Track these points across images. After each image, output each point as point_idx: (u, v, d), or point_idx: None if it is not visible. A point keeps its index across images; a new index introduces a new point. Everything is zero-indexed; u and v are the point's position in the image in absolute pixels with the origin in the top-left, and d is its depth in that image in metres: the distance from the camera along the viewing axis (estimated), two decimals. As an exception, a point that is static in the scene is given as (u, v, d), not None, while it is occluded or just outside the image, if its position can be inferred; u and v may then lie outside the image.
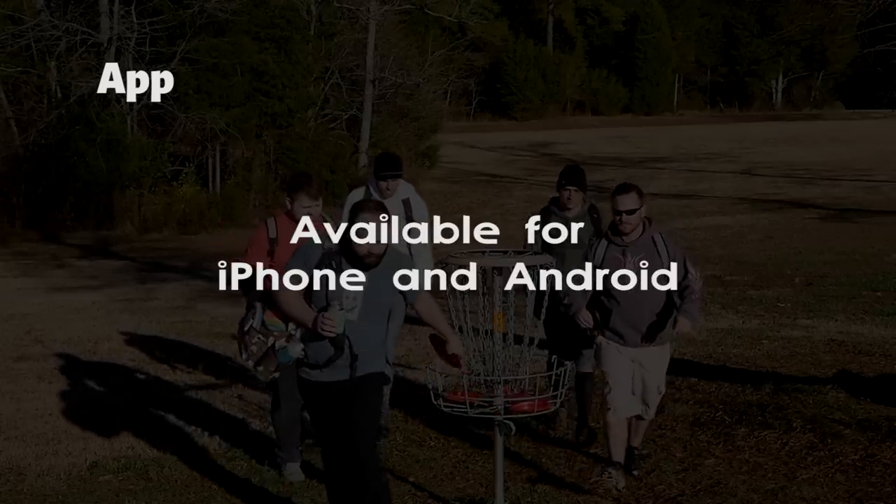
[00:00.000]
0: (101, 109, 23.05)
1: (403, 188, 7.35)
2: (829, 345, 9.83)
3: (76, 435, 7.63)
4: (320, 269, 4.99)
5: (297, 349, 5.12)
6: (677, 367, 8.38)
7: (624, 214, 6.09)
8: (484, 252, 5.72)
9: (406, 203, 7.39)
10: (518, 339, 5.70)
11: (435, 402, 5.60)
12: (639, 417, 6.41)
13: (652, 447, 6.95)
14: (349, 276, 5.01)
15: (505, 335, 5.54)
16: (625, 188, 6.15)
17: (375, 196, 7.15)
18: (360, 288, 5.00)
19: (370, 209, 4.98)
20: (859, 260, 15.68)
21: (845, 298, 12.30)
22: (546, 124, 58.73)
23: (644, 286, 6.09)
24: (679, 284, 6.12)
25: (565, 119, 62.88)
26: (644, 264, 6.09)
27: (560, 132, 52.11)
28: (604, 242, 6.25)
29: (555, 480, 6.44)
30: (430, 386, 5.73)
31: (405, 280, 5.15)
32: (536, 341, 5.81)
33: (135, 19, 24.05)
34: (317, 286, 5.01)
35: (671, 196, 27.31)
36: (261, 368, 5.48)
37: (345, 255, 4.99)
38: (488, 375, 5.55)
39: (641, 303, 6.12)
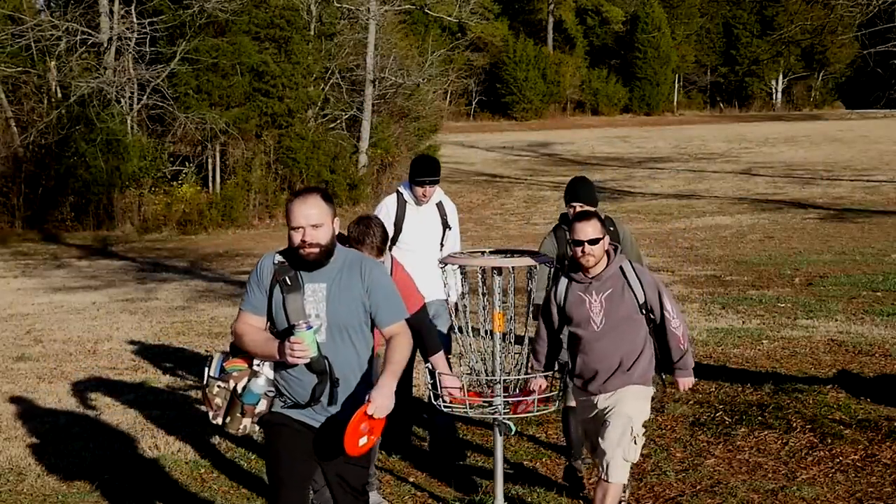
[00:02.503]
0: (101, 109, 23.06)
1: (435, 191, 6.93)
2: (828, 345, 9.83)
3: (76, 435, 7.63)
4: (275, 287, 4.28)
5: (261, 384, 4.34)
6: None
7: (586, 245, 5.16)
8: (483, 252, 5.72)
9: (440, 207, 6.96)
10: (518, 340, 5.70)
11: (434, 402, 5.59)
12: (605, 481, 5.24)
13: (652, 447, 6.95)
14: (310, 287, 4.27)
15: (505, 335, 5.53)
16: (584, 215, 5.27)
17: (410, 203, 6.83)
18: (322, 300, 4.26)
19: (301, 194, 4.26)
20: (859, 260, 15.68)
21: (845, 298, 12.30)
22: (546, 124, 58.80)
23: (615, 327, 5.21)
24: (656, 323, 5.28)
25: (565, 119, 62.96)
26: (612, 301, 5.21)
27: (560, 132, 52.15)
28: (563, 281, 5.36)
29: (555, 481, 6.44)
30: (428, 385, 5.72)
31: (379, 298, 4.31)
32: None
33: (135, 19, 24.06)
34: (275, 308, 4.29)
35: (671, 196, 27.32)
36: (228, 421, 4.41)
37: (289, 259, 4.27)
38: (488, 376, 5.54)
39: (613, 346, 5.24)
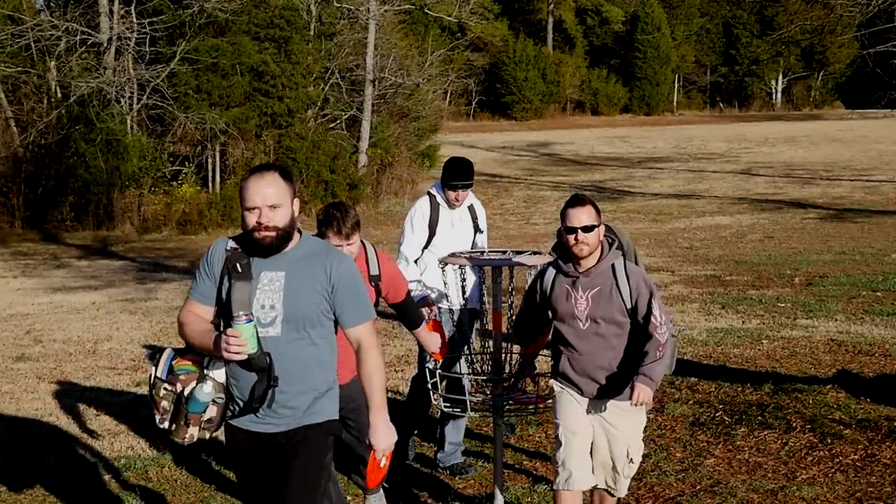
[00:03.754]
0: (101, 109, 23.05)
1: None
2: (828, 345, 9.83)
3: (76, 435, 7.63)
4: (225, 274, 3.91)
5: (207, 391, 3.89)
6: (677, 367, 8.38)
7: (579, 232, 4.77)
8: (483, 252, 5.72)
9: (471, 210, 6.81)
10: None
11: (434, 401, 5.59)
12: (607, 493, 5.08)
13: (652, 447, 6.95)
14: (267, 275, 3.89)
15: (505, 335, 5.54)
16: (578, 200, 4.87)
17: (443, 206, 6.61)
18: (279, 290, 3.87)
19: (258, 171, 3.90)
20: (859, 260, 15.68)
21: (845, 298, 12.30)
22: (546, 124, 58.82)
23: (599, 328, 4.83)
24: (640, 327, 4.84)
25: (565, 119, 62.98)
26: (598, 300, 4.83)
27: (560, 132, 52.16)
28: (550, 271, 4.99)
29: (555, 480, 6.44)
30: (429, 386, 5.73)
31: (345, 297, 3.93)
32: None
33: (135, 19, 24.06)
34: (224, 296, 3.90)
35: (671, 196, 27.32)
36: (173, 429, 3.96)
37: (242, 244, 3.92)
38: (488, 375, 5.55)
39: (598, 349, 4.86)
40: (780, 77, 73.51)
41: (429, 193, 6.77)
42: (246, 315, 3.73)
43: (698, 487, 6.27)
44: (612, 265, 4.88)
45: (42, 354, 10.59)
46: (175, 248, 20.83)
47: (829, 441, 6.86)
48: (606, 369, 4.85)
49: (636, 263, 6.18)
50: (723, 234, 19.78)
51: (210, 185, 25.32)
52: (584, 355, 4.87)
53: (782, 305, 12.04)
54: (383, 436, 3.96)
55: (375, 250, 5.43)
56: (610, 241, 4.93)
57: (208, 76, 24.44)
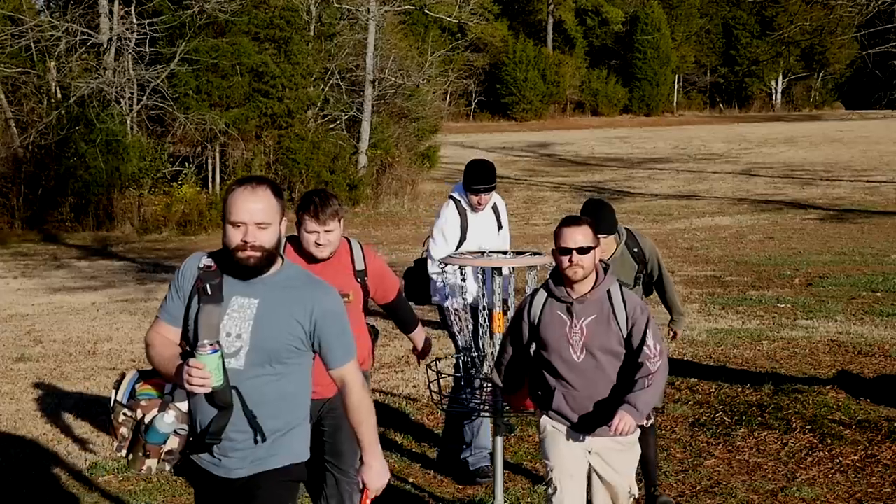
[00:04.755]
0: (101, 110, 23.06)
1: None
2: (828, 345, 9.83)
3: (76, 435, 7.63)
4: (195, 294, 3.56)
5: (168, 421, 3.53)
6: (677, 368, 8.39)
7: (574, 254, 4.42)
8: (483, 252, 5.71)
9: (495, 209, 6.64)
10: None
11: (435, 402, 5.59)
12: None
13: (652, 447, 6.95)
14: (238, 301, 3.52)
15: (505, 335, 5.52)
16: (575, 220, 4.55)
17: (468, 209, 6.45)
18: (249, 318, 3.51)
19: (248, 183, 3.52)
20: (859, 260, 15.68)
21: (845, 299, 12.31)
22: (545, 125, 58.82)
23: (596, 359, 4.49)
24: (632, 355, 4.50)
25: (565, 119, 62.97)
26: (595, 329, 4.48)
27: (559, 133, 52.16)
28: (541, 295, 4.58)
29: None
30: (429, 386, 5.72)
31: (330, 337, 3.58)
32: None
33: (134, 20, 24.06)
34: (189, 321, 3.57)
35: (671, 196, 27.32)
36: (130, 458, 3.64)
37: (220, 262, 3.55)
38: (488, 375, 5.54)
39: (594, 380, 4.51)
40: (780, 77, 73.52)
41: (452, 198, 6.54)
42: (211, 345, 3.36)
43: (698, 488, 6.27)
44: (608, 291, 4.52)
45: (42, 355, 10.59)
46: (175, 249, 20.82)
47: (829, 441, 6.86)
48: (603, 403, 4.48)
49: (659, 271, 5.97)
50: (723, 235, 19.78)
51: (210, 185, 25.32)
52: (579, 389, 4.50)
53: (782, 306, 12.04)
54: (377, 475, 3.71)
55: (361, 245, 5.12)
56: (604, 266, 4.57)
57: (208, 77, 24.45)
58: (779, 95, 74.13)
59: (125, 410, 3.62)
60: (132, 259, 19.36)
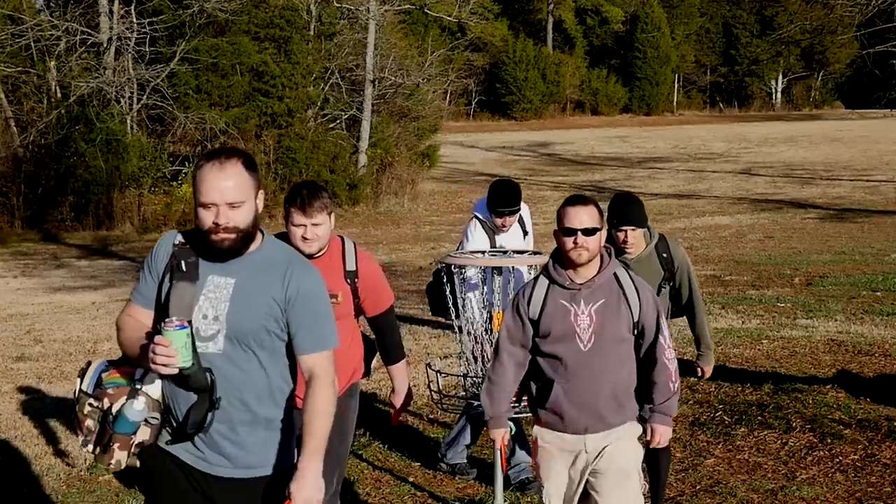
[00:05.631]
0: (101, 109, 23.06)
1: None
2: (828, 345, 9.83)
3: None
4: (167, 273, 3.32)
5: (139, 408, 3.26)
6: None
7: (579, 235, 4.09)
8: (483, 252, 5.71)
9: (520, 220, 6.49)
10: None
11: (435, 402, 5.59)
12: None
13: (652, 447, 6.95)
14: (214, 280, 3.28)
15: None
16: (579, 198, 4.21)
17: (493, 229, 6.21)
18: (226, 299, 3.25)
19: (216, 157, 3.25)
20: (859, 260, 15.68)
21: (845, 298, 12.31)
22: (545, 124, 58.85)
23: (603, 348, 4.15)
24: (645, 349, 4.23)
25: (565, 119, 63.01)
26: (604, 315, 4.15)
27: (559, 132, 52.18)
28: (542, 282, 4.22)
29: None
30: (429, 386, 5.72)
31: (303, 317, 3.27)
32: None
33: (134, 19, 24.07)
34: (164, 298, 3.31)
35: (671, 196, 27.33)
36: (98, 452, 3.35)
37: (193, 242, 3.32)
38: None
39: (598, 371, 4.17)
40: (780, 77, 73.55)
41: (476, 217, 6.31)
42: (179, 321, 3.10)
43: (698, 487, 6.27)
44: (615, 274, 4.21)
45: (42, 354, 10.59)
46: (175, 248, 20.81)
47: (829, 441, 6.86)
48: (611, 394, 4.19)
49: (690, 289, 5.61)
50: (723, 234, 19.78)
51: (210, 185, 25.31)
52: (582, 382, 4.16)
53: (782, 305, 12.04)
54: (309, 488, 3.13)
55: (356, 246, 4.80)
56: (608, 250, 4.25)
57: (208, 76, 24.46)
58: (779, 95, 74.16)
59: (91, 400, 3.34)
60: (132, 258, 19.36)
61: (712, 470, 6.56)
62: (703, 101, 73.68)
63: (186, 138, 26.00)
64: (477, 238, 6.26)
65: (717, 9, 72.50)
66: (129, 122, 24.17)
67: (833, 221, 21.41)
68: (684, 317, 5.83)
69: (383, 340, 4.92)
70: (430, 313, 6.80)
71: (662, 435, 4.24)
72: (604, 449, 4.22)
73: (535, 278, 4.28)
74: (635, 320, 4.18)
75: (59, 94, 24.45)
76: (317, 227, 4.50)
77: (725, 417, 7.49)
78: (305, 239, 4.52)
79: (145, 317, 3.36)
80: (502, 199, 6.15)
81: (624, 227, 5.40)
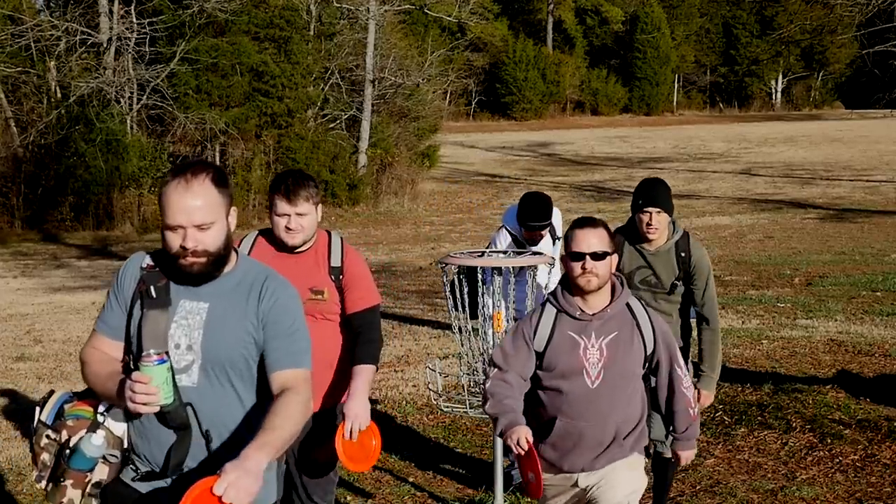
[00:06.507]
0: (101, 109, 23.07)
1: None
2: (828, 345, 9.83)
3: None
4: (137, 300, 3.03)
5: (97, 443, 2.95)
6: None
7: (587, 259, 3.80)
8: (483, 252, 5.71)
9: (551, 228, 6.29)
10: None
11: (435, 402, 5.59)
12: None
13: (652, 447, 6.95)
14: (186, 305, 3.00)
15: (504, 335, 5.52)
16: (588, 221, 3.90)
17: (523, 241, 6.01)
18: (199, 326, 2.98)
19: (183, 174, 2.92)
20: (859, 260, 15.69)
21: (845, 298, 12.31)
22: (545, 124, 58.86)
23: (613, 384, 3.85)
24: (660, 380, 3.99)
25: (565, 119, 63.01)
26: (616, 349, 3.85)
27: (559, 132, 52.18)
28: (550, 311, 3.90)
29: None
30: (429, 386, 5.72)
31: (277, 333, 2.99)
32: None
33: (134, 19, 24.08)
34: (132, 330, 3.03)
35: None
36: (50, 489, 3.01)
37: (162, 264, 3.03)
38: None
39: (606, 409, 3.86)
40: (780, 77, 73.56)
41: (506, 229, 6.14)
42: (158, 355, 2.83)
43: (698, 487, 6.27)
44: (628, 304, 3.92)
45: (42, 354, 10.60)
46: (175, 248, 20.83)
47: (829, 441, 6.86)
48: (615, 433, 3.89)
49: (704, 293, 5.18)
50: (723, 234, 19.78)
51: (210, 185, 25.33)
52: (588, 422, 3.85)
53: (782, 305, 12.04)
54: (243, 475, 2.63)
55: (343, 241, 4.49)
56: (619, 278, 3.96)
57: (208, 76, 24.46)
58: (779, 95, 74.16)
59: (48, 432, 3.02)
60: (132, 259, 19.36)
61: (712, 470, 6.56)
62: (703, 101, 73.69)
63: (186, 138, 26.01)
64: (500, 241, 6.12)
65: (717, 9, 72.50)
66: (129, 122, 24.18)
67: (833, 221, 21.41)
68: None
69: (358, 339, 4.35)
70: (430, 313, 6.80)
71: (688, 458, 4.21)
72: (599, 482, 3.93)
73: (542, 306, 3.95)
74: (648, 353, 3.91)
75: (59, 94, 24.46)
76: (301, 218, 4.23)
77: (725, 417, 7.49)
78: (289, 229, 4.24)
79: (113, 349, 3.08)
80: (533, 213, 5.95)
81: (649, 209, 5.05)
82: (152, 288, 2.99)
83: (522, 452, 3.66)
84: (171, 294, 2.99)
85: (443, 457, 7.01)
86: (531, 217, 5.94)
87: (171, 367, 2.87)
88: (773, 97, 74.30)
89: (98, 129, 22.89)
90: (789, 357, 9.39)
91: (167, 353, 2.88)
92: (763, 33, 66.14)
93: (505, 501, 5.72)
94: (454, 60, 41.98)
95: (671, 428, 4.12)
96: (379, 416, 7.84)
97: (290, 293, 3.07)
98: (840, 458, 6.60)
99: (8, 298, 14.57)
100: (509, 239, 6.15)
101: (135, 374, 2.82)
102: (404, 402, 8.28)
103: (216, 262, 2.97)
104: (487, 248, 6.27)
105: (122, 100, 24.07)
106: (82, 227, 23.63)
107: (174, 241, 2.91)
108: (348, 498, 6.18)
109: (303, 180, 4.28)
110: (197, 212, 2.89)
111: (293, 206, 4.22)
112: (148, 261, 3.06)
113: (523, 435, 3.69)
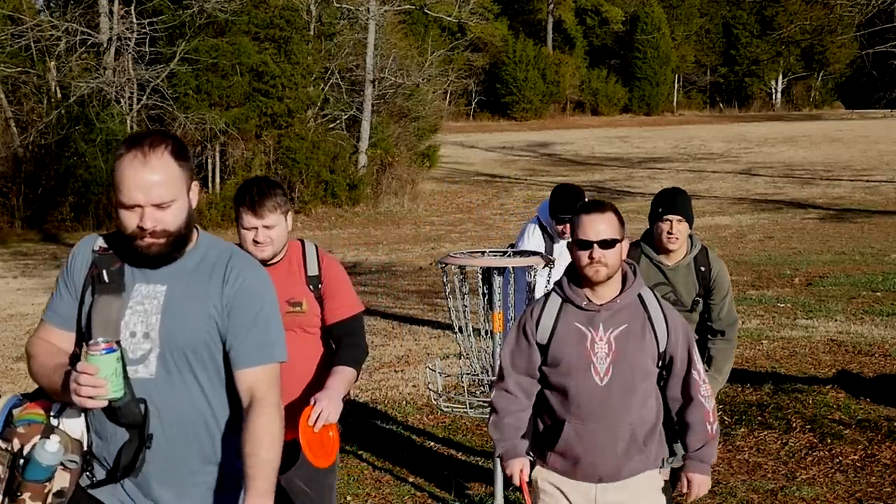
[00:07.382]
0: (101, 109, 23.08)
1: None
2: (828, 345, 9.83)
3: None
4: (88, 285, 2.77)
5: (52, 449, 2.64)
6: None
7: (595, 247, 3.48)
8: (483, 252, 5.71)
9: None
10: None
11: (435, 402, 5.59)
12: None
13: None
14: (142, 289, 2.73)
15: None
16: (596, 205, 3.59)
17: (553, 235, 5.95)
18: (157, 311, 2.71)
19: (139, 145, 2.65)
20: (859, 260, 15.69)
21: (845, 298, 12.31)
22: (545, 124, 58.86)
23: (624, 381, 3.52)
24: (675, 384, 3.63)
25: (565, 119, 63.02)
26: (626, 343, 3.53)
27: (559, 132, 52.18)
28: (554, 300, 3.60)
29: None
30: (429, 386, 5.72)
31: (241, 321, 2.72)
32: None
33: (134, 19, 24.09)
34: (83, 318, 2.76)
35: (671, 196, 27.33)
36: (6, 502, 2.73)
37: (116, 247, 2.81)
38: (488, 376, 5.54)
39: (619, 411, 3.53)
40: (780, 77, 73.56)
41: (539, 221, 6.05)
42: (106, 343, 2.55)
43: (698, 487, 6.26)
44: (640, 295, 3.59)
45: (42, 354, 10.59)
46: (175, 249, 20.83)
47: (829, 441, 6.86)
48: (631, 436, 3.55)
49: (723, 304, 5.05)
50: (723, 234, 19.78)
51: (210, 185, 25.34)
52: (598, 423, 3.53)
53: (782, 305, 12.04)
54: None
55: (318, 249, 4.20)
56: (631, 266, 3.65)
57: (208, 76, 24.47)
58: (779, 95, 74.16)
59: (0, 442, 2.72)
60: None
61: (712, 470, 6.56)
62: (703, 101, 73.70)
63: (186, 138, 26.00)
64: (533, 242, 6.00)
65: (717, 9, 72.51)
66: (129, 122, 24.18)
67: (833, 221, 21.41)
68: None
69: (341, 344, 4.06)
70: (430, 313, 6.81)
71: (700, 486, 3.65)
72: (620, 498, 3.60)
73: (546, 295, 3.66)
74: (661, 350, 3.56)
75: (59, 95, 24.47)
76: (270, 230, 3.95)
77: (725, 417, 7.49)
78: (257, 243, 3.97)
79: (62, 339, 2.79)
80: (565, 205, 5.80)
81: (669, 217, 4.83)
82: (105, 272, 2.74)
83: (521, 488, 3.52)
84: (126, 278, 2.74)
85: (443, 457, 7.01)
86: (563, 209, 5.80)
87: (122, 357, 2.60)
88: (773, 97, 74.30)
89: (98, 129, 22.90)
90: (789, 357, 9.39)
91: (118, 342, 2.61)
92: (763, 33, 66.16)
93: (505, 502, 5.72)
94: (454, 60, 41.98)
95: (683, 445, 3.68)
96: (379, 416, 7.84)
97: (257, 273, 2.79)
98: (840, 458, 6.60)
99: (8, 298, 14.57)
100: (538, 231, 6.07)
101: (80, 365, 2.54)
102: (404, 402, 8.28)
103: (176, 243, 2.71)
104: (517, 238, 6.21)
105: (122, 100, 24.07)
106: (82, 227, 23.63)
107: (131, 220, 2.66)
108: (348, 498, 6.18)
109: (269, 189, 3.99)
110: (155, 189, 2.63)
111: (260, 218, 3.95)
112: (101, 243, 2.84)
113: (517, 470, 3.59)
